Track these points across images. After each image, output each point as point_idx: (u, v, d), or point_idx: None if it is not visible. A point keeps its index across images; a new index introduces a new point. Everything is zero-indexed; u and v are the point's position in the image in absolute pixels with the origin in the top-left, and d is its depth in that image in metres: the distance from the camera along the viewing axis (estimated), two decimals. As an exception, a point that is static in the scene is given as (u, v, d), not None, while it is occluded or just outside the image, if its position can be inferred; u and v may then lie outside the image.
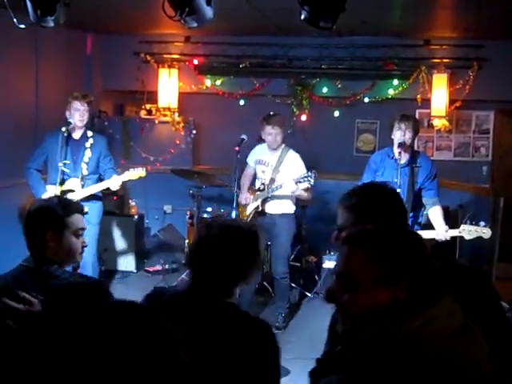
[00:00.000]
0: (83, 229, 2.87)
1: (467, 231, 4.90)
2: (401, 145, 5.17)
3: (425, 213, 5.44)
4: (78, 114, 5.72)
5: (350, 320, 1.71)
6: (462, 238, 5.06)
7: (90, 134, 5.91)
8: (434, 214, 5.25)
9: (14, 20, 3.47)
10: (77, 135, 5.86)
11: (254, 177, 6.26)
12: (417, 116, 8.26)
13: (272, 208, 5.99)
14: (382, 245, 1.68)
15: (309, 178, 5.45)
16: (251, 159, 6.24)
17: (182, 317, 2.01)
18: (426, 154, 5.82)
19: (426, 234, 5.10)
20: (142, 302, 2.26)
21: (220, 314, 2.16)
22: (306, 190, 5.70)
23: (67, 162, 5.66)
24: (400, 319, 1.58)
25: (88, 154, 5.81)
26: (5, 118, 6.67)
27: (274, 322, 6.00)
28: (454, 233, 4.98)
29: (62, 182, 5.64)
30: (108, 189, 5.86)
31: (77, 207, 2.89)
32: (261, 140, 6.94)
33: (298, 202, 6.18)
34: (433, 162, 5.52)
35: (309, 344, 5.52)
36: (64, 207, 2.80)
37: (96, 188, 5.79)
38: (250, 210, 6.08)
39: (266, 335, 2.20)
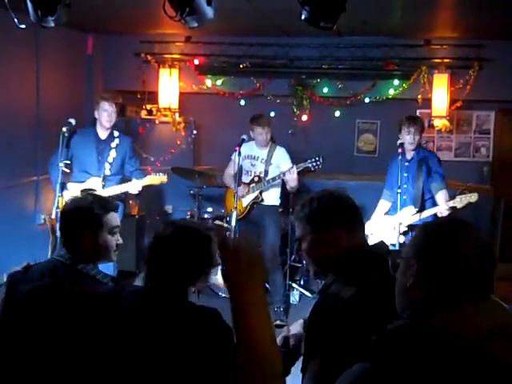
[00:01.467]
0: (118, 227, 2.88)
1: (459, 201, 5.23)
2: (401, 145, 5.48)
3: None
4: (105, 114, 5.73)
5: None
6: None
7: (116, 134, 5.91)
8: (439, 196, 5.43)
9: (15, 20, 3.47)
10: (103, 135, 5.86)
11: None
12: (417, 116, 8.29)
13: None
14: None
15: (317, 163, 5.81)
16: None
17: (139, 313, 2.06)
18: (432, 150, 6.07)
19: (427, 212, 5.40)
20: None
21: (173, 312, 2.17)
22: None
23: (68, 162, 5.64)
24: (434, 313, 1.60)
25: (113, 154, 5.81)
26: (5, 119, 6.67)
27: (277, 318, 6.07)
28: (450, 204, 5.27)
29: (62, 184, 5.58)
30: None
31: (112, 205, 2.89)
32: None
33: (298, 201, 6.20)
34: (438, 156, 5.76)
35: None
36: (100, 205, 2.80)
37: (116, 190, 5.75)
38: (247, 201, 6.25)
39: (217, 323, 2.22)
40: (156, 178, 5.86)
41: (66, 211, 2.83)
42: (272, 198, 6.27)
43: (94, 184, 5.73)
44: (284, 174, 5.92)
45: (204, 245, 2.32)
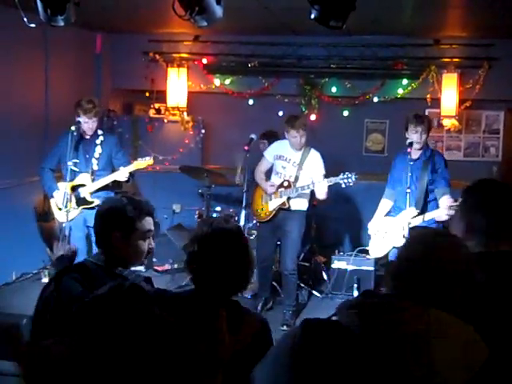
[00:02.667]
0: (151, 231, 2.80)
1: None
2: (411, 144, 5.37)
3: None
4: (86, 126, 5.77)
5: None
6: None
7: (100, 132, 5.95)
8: (442, 201, 5.33)
9: (25, 19, 3.48)
10: (87, 135, 5.90)
11: (269, 171, 6.22)
12: (426, 116, 8.26)
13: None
14: None
15: (349, 180, 5.57)
16: (270, 153, 6.15)
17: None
18: (439, 151, 5.93)
19: (429, 215, 5.31)
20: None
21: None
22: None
23: (77, 161, 5.68)
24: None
25: (98, 150, 5.87)
26: (14, 117, 6.69)
27: (283, 320, 6.02)
28: (451, 212, 5.07)
29: (72, 181, 5.68)
30: (118, 186, 5.87)
31: (148, 209, 2.80)
32: (264, 137, 6.94)
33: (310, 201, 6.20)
34: (445, 158, 5.65)
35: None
36: (135, 209, 2.73)
37: (105, 180, 5.82)
38: (273, 205, 6.01)
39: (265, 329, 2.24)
40: (142, 163, 5.89)
41: (100, 212, 2.79)
42: (300, 203, 6.00)
43: (84, 179, 5.80)
44: (313, 185, 5.70)
45: (245, 247, 2.33)
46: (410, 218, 5.32)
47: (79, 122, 5.71)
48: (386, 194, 5.88)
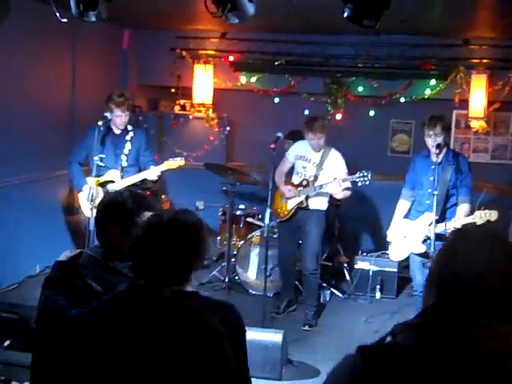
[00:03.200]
0: None
1: (479, 217, 5.08)
2: (438, 146, 5.23)
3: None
4: (119, 120, 5.80)
5: None
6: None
7: (130, 127, 5.96)
8: (460, 209, 5.32)
9: (57, 14, 3.49)
10: (117, 130, 5.93)
11: (290, 171, 6.24)
12: (453, 117, 8.17)
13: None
14: None
15: (365, 178, 5.55)
16: (291, 154, 6.19)
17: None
18: (463, 154, 5.79)
19: (450, 225, 5.19)
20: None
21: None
22: (347, 189, 5.81)
23: (103, 156, 5.70)
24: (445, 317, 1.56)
25: (128, 146, 5.88)
26: (42, 112, 6.75)
27: (305, 320, 6.01)
28: (469, 219, 5.12)
29: (99, 176, 5.70)
30: (144, 183, 5.89)
31: (148, 204, 2.77)
32: (289, 136, 6.93)
33: (331, 201, 6.18)
34: (469, 162, 5.53)
35: (339, 345, 5.49)
36: (134, 202, 2.71)
37: (135, 178, 5.83)
38: (292, 204, 6.04)
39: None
40: (173, 163, 5.89)
41: (100, 203, 2.80)
42: (319, 202, 6.01)
43: (113, 176, 5.81)
44: (326, 185, 5.73)
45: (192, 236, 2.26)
46: (428, 223, 5.23)
47: (106, 117, 5.73)
48: (404, 194, 5.77)
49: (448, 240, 1.71)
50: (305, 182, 5.96)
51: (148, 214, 2.71)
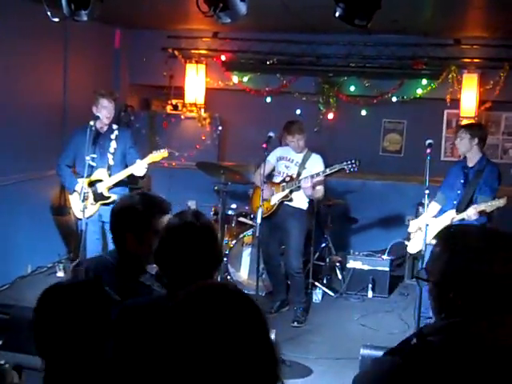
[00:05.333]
0: None
1: (489, 204, 5.22)
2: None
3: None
4: (105, 111, 5.78)
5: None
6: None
7: (114, 126, 5.96)
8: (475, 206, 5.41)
9: (48, 13, 3.47)
10: (102, 129, 5.91)
11: (270, 173, 6.31)
12: (445, 116, 8.20)
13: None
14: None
15: (353, 165, 5.69)
16: (273, 156, 6.28)
17: None
18: (494, 162, 5.89)
19: (458, 217, 5.37)
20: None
21: None
22: (320, 183, 6.00)
23: (94, 155, 5.67)
24: (473, 317, 1.58)
25: (113, 145, 5.87)
26: (33, 111, 6.72)
27: (294, 317, 6.06)
28: (478, 208, 5.24)
29: (90, 176, 5.68)
30: (134, 182, 5.87)
31: (162, 208, 2.76)
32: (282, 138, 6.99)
33: (323, 201, 6.25)
34: (499, 170, 5.61)
35: (331, 344, 5.51)
36: (148, 207, 2.70)
37: (122, 174, 5.81)
38: (275, 200, 6.13)
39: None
40: (157, 155, 5.89)
41: (114, 211, 2.77)
42: (301, 200, 6.12)
43: (101, 175, 5.79)
44: (313, 176, 5.84)
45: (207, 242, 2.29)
46: (450, 219, 5.38)
47: (98, 117, 5.71)
48: (437, 198, 5.84)
49: (453, 240, 1.73)
50: (288, 178, 6.08)
51: (163, 218, 2.68)
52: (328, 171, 5.81)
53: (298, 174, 6.06)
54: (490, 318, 1.56)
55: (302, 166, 6.10)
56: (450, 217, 5.41)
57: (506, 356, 1.50)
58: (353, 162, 5.69)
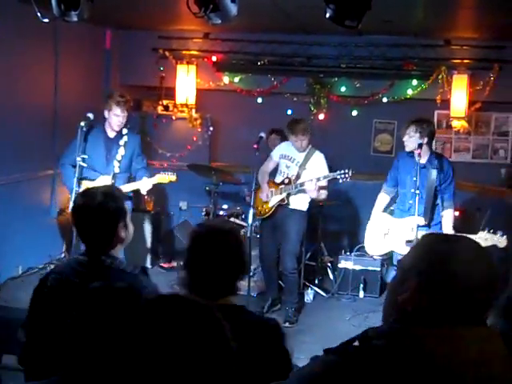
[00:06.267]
0: None
1: (483, 238, 4.83)
2: (420, 146, 5.30)
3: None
4: (116, 119, 5.66)
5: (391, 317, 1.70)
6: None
7: (124, 131, 5.80)
8: (445, 217, 5.43)
9: (38, 14, 3.47)
10: (112, 134, 5.81)
11: (274, 171, 6.33)
12: (435, 117, 8.22)
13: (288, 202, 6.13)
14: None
15: (346, 175, 5.69)
16: (276, 153, 6.30)
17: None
18: (446, 157, 5.84)
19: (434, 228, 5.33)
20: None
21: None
22: (323, 188, 5.96)
23: (85, 156, 5.64)
24: (423, 325, 1.56)
25: (121, 151, 5.74)
26: (23, 112, 6.69)
27: (286, 317, 6.08)
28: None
29: (81, 177, 5.62)
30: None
31: (123, 194, 2.93)
32: (273, 132, 7.02)
33: (314, 201, 6.24)
34: (453, 166, 5.58)
35: (323, 344, 5.47)
36: (119, 195, 2.83)
37: (126, 188, 5.67)
38: (273, 202, 6.13)
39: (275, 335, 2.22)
40: (165, 177, 5.83)
41: (100, 204, 2.72)
42: (299, 202, 6.09)
43: (104, 182, 5.69)
44: (303, 184, 5.86)
45: (239, 248, 2.36)
46: (415, 225, 5.25)
47: (89, 118, 5.68)
48: (385, 189, 5.86)
49: (426, 245, 1.71)
50: (287, 180, 6.06)
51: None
52: (322, 179, 5.79)
53: (298, 176, 6.03)
54: (433, 330, 1.54)
55: (303, 166, 6.07)
56: (413, 224, 5.26)
57: (439, 372, 1.49)
58: (346, 171, 5.69)
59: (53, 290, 2.61)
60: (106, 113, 5.70)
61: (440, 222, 5.47)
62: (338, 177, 5.73)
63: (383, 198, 5.86)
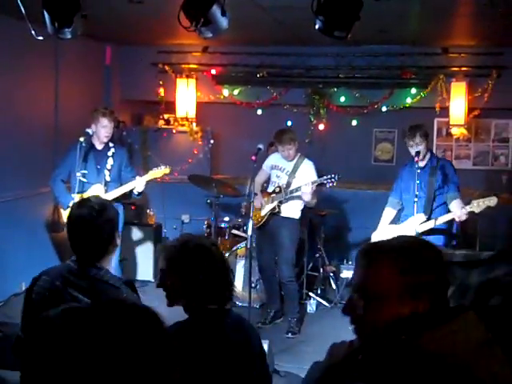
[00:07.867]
0: None
1: (476, 205, 5.16)
2: (418, 153, 5.40)
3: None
4: (104, 131, 5.83)
5: (364, 333, 1.71)
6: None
7: (111, 144, 6.02)
8: (453, 205, 5.40)
9: (33, 32, 3.51)
10: (99, 146, 5.95)
11: (266, 182, 6.41)
12: (435, 125, 8.25)
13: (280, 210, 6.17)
14: (408, 257, 1.67)
15: (333, 180, 5.71)
16: (267, 164, 6.38)
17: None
18: (446, 158, 5.95)
19: (443, 218, 5.35)
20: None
21: None
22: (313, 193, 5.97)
23: (85, 171, 5.71)
24: (418, 332, 1.57)
25: (110, 161, 5.93)
26: (24, 129, 6.74)
27: (288, 328, 6.08)
28: (468, 208, 5.20)
29: (81, 192, 5.69)
30: (126, 198, 5.90)
31: (115, 210, 2.97)
32: (273, 144, 7.04)
33: (316, 211, 6.27)
34: (453, 165, 5.71)
35: (325, 354, 5.49)
36: (112, 207, 2.89)
37: (121, 190, 5.85)
38: (265, 211, 6.18)
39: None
40: (158, 172, 5.93)
41: (98, 214, 2.77)
42: (291, 210, 6.13)
43: (97, 190, 5.80)
44: (300, 188, 5.87)
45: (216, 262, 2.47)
46: (418, 223, 5.35)
47: (88, 133, 5.75)
48: (390, 203, 5.92)
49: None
50: (277, 189, 6.11)
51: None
52: (311, 184, 5.80)
53: (288, 184, 6.08)
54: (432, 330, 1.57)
55: (292, 175, 6.12)
56: (419, 220, 5.37)
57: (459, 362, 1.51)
58: (332, 176, 5.71)
59: (39, 292, 2.73)
60: (93, 127, 5.82)
61: (445, 224, 5.48)
62: (324, 181, 5.75)
63: (389, 213, 5.89)
